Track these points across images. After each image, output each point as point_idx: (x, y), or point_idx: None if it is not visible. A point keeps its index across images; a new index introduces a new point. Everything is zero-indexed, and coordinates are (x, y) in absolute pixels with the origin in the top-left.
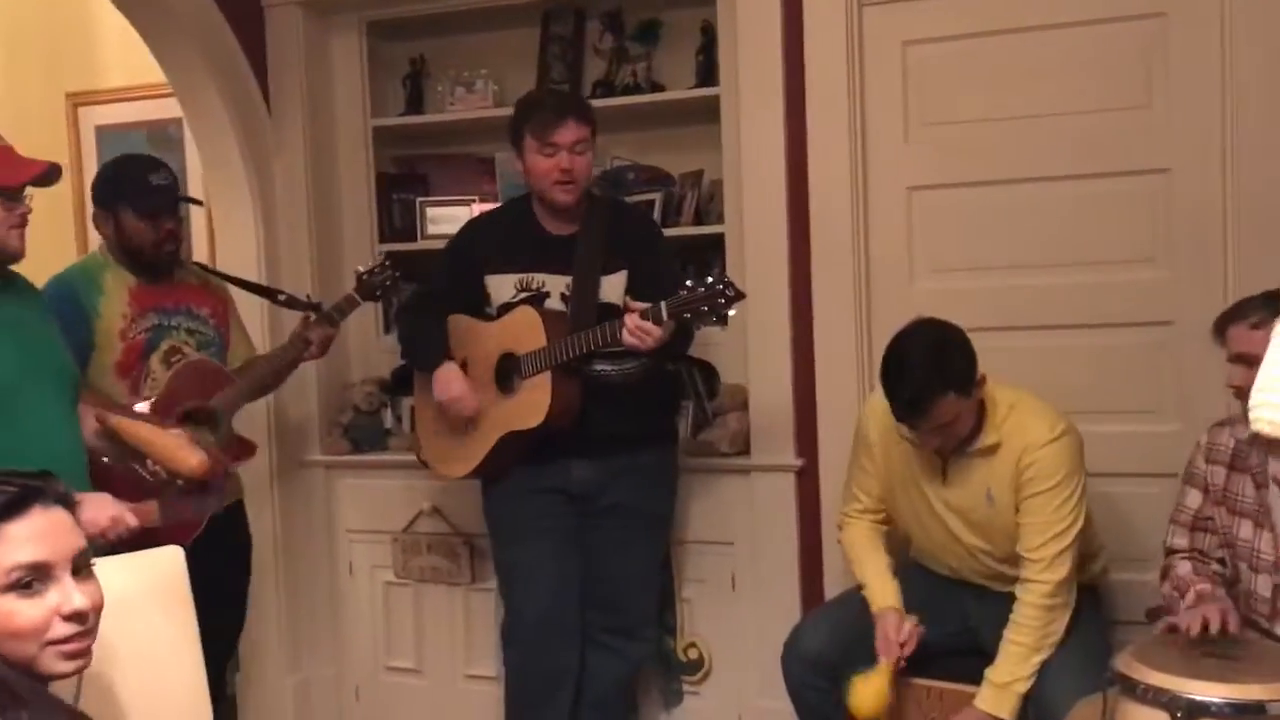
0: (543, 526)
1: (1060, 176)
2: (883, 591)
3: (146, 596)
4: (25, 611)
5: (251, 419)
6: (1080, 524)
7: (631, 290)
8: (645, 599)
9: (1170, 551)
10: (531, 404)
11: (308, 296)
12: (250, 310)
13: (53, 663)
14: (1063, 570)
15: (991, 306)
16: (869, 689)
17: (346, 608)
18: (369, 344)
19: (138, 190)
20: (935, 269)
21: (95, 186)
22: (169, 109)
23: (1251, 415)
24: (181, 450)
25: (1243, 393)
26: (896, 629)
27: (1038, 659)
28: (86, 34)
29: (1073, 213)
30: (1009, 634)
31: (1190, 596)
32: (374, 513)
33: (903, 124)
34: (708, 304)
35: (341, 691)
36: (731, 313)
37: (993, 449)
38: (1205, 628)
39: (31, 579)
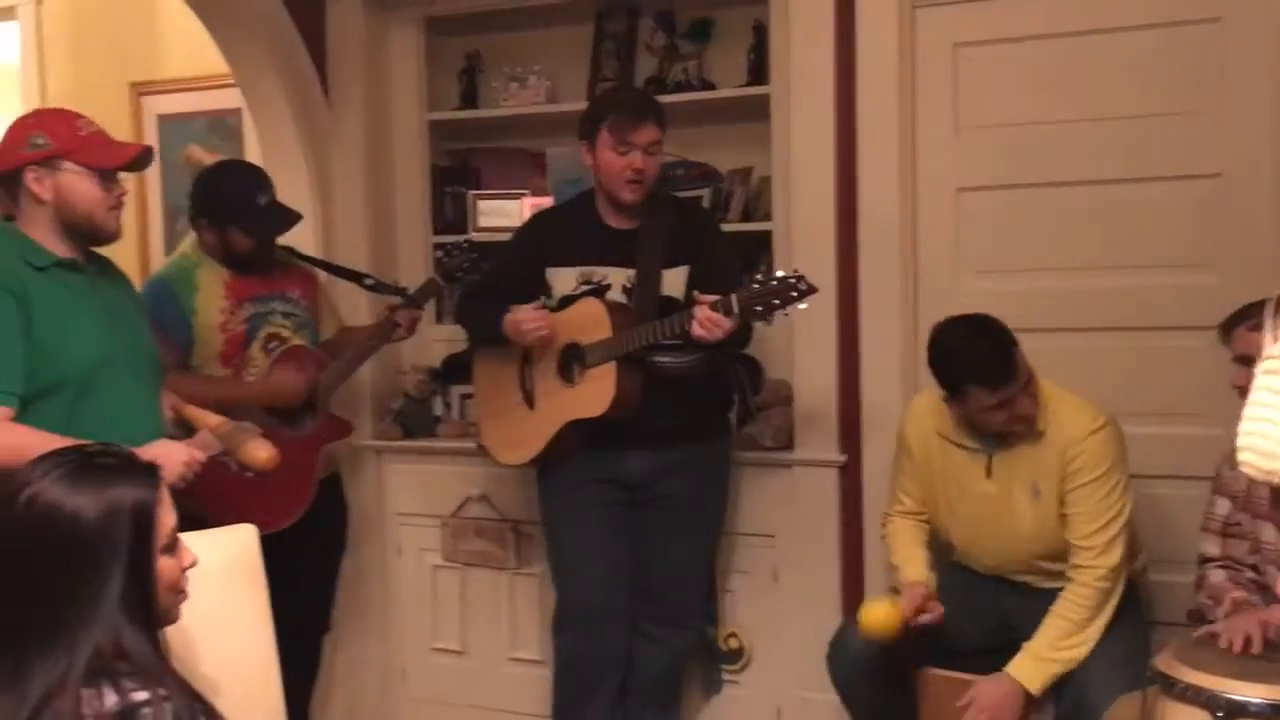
0: (596, 516)
1: (1110, 180)
2: (916, 569)
3: (222, 572)
4: (175, 568)
5: None
6: (1128, 512)
7: (693, 285)
8: (694, 590)
9: (1204, 560)
10: (595, 393)
11: (394, 281)
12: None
13: (175, 613)
14: (1114, 556)
15: (1038, 308)
16: (881, 609)
17: (395, 589)
18: (421, 333)
19: (248, 213)
20: (982, 270)
21: (199, 199)
22: (228, 99)
23: (1238, 455)
24: (250, 443)
25: (1244, 393)
26: (922, 595)
27: (1079, 638)
28: (150, 25)
29: (1122, 216)
30: (1055, 608)
31: (1227, 604)
32: (423, 497)
33: (953, 125)
34: (779, 297)
35: (388, 671)
36: (803, 306)
37: (1036, 437)
38: (1247, 643)
39: (175, 540)
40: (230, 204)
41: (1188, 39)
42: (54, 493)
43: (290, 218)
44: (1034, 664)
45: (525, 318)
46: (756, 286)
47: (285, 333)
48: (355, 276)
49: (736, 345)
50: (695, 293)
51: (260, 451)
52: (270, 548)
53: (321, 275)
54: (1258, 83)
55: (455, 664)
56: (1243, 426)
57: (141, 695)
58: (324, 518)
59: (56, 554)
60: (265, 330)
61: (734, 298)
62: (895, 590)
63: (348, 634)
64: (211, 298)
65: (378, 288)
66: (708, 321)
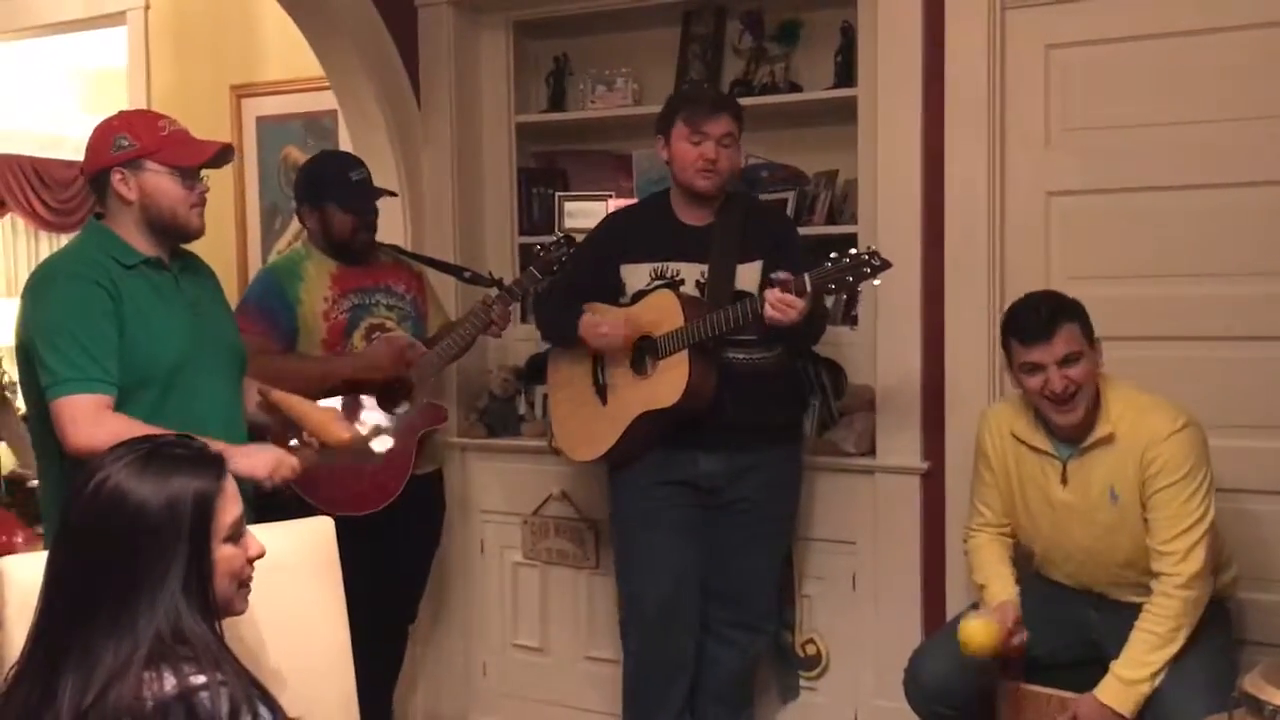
0: (668, 517)
1: (1205, 185)
2: (1003, 589)
3: (298, 563)
4: (239, 557)
5: None
6: (1211, 516)
7: (766, 281)
8: (767, 594)
9: None
10: (668, 383)
11: (489, 273)
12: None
13: (240, 602)
14: (1196, 563)
15: (1130, 315)
16: (982, 627)
17: (477, 585)
18: (506, 333)
19: (342, 187)
20: (1072, 276)
21: (299, 185)
22: (324, 101)
23: None
24: (332, 423)
25: None
26: (1013, 615)
27: (1166, 652)
28: (249, 29)
29: (1217, 222)
30: (1140, 624)
31: None
32: (506, 495)
33: (1043, 128)
34: (853, 273)
35: (470, 665)
36: (877, 282)
37: (1108, 440)
38: None
39: (240, 531)
40: (326, 183)
41: None
42: (122, 479)
43: (380, 190)
44: (1122, 687)
45: (599, 331)
46: (829, 265)
47: (389, 324)
48: (454, 270)
49: (810, 336)
50: (773, 276)
51: (341, 431)
52: (366, 534)
53: (429, 274)
54: None
55: (534, 660)
56: None
57: (199, 679)
58: (422, 511)
59: (124, 539)
60: (368, 320)
61: (806, 277)
62: (975, 606)
63: (431, 628)
64: (316, 287)
65: (475, 280)
66: (780, 303)
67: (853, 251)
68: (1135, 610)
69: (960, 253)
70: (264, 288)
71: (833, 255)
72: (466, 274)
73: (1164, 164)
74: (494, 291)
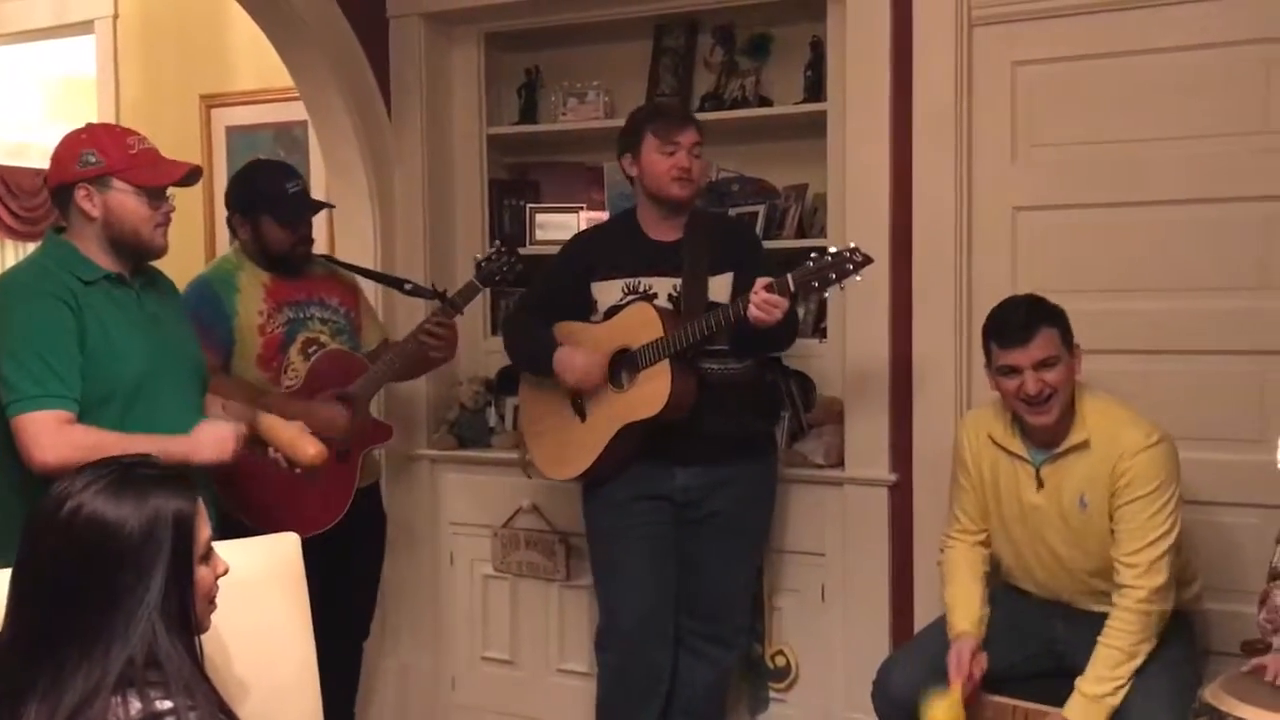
0: (643, 533)
1: (1169, 201)
2: (967, 616)
3: (264, 580)
4: (210, 576)
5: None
6: (1176, 531)
7: (737, 291)
8: (741, 608)
9: (1274, 576)
10: (649, 393)
11: (432, 285)
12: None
13: (207, 621)
14: (1159, 577)
15: (1095, 328)
16: (945, 707)
17: (446, 598)
18: (476, 344)
19: (277, 200)
20: (1039, 290)
21: (232, 193)
22: (295, 112)
23: None
24: (300, 440)
25: None
26: (971, 655)
27: (1130, 666)
28: (220, 39)
29: (1181, 238)
30: (1103, 639)
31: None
32: (476, 507)
33: (1010, 144)
34: (835, 270)
35: (438, 678)
36: (859, 278)
37: (1083, 446)
38: None
39: (210, 549)
40: (260, 195)
41: (1248, 58)
42: (97, 504)
43: (317, 204)
44: (1087, 704)
45: (577, 369)
46: (810, 264)
47: (323, 338)
48: (394, 281)
49: (782, 341)
50: (757, 279)
51: (309, 447)
52: (308, 555)
53: (366, 285)
54: None
55: (504, 674)
56: None
57: (166, 704)
58: (363, 527)
59: (101, 564)
60: (303, 334)
61: (790, 276)
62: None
63: (398, 641)
64: (251, 300)
65: (416, 292)
66: (765, 304)
67: (833, 250)
68: (1101, 620)
69: (928, 266)
70: (199, 299)
71: (813, 254)
72: (408, 286)
73: (1126, 180)
74: (439, 304)
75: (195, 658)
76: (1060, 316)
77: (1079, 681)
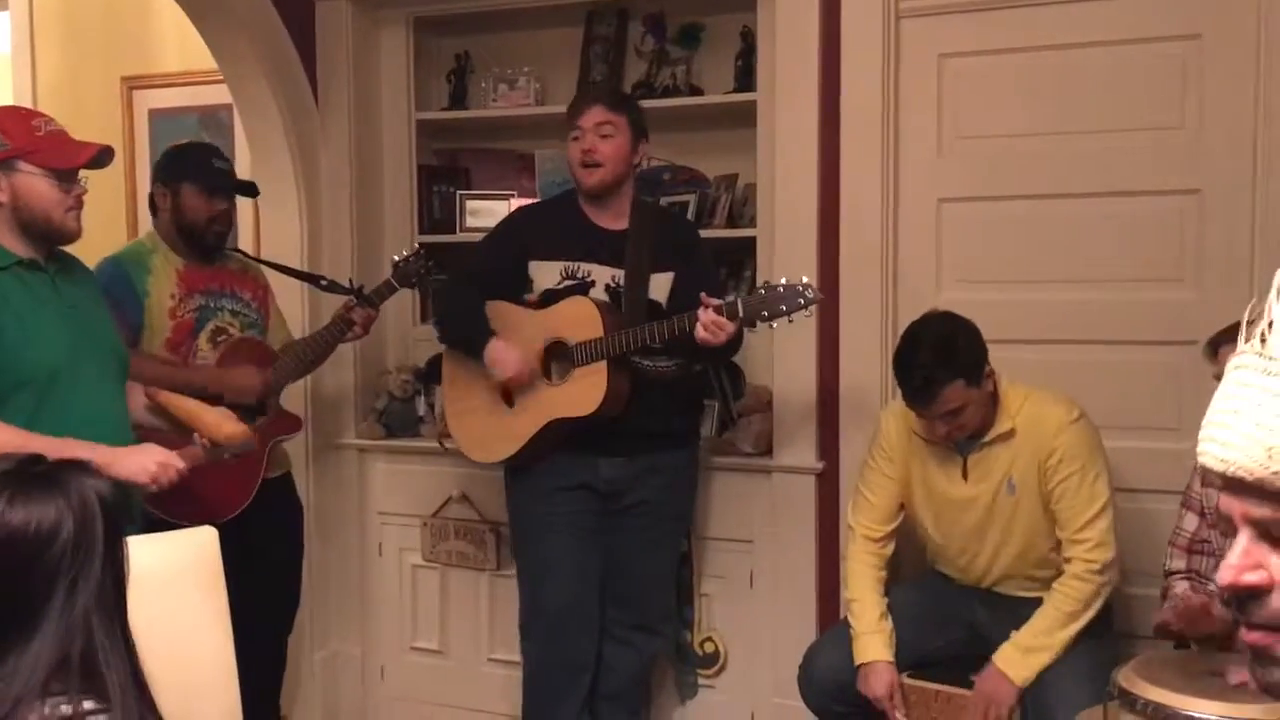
0: (566, 522)
1: (1091, 194)
2: (871, 644)
3: (181, 574)
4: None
5: (290, 402)
6: (1111, 500)
7: (675, 292)
8: (665, 595)
9: (1169, 574)
10: (583, 391)
11: (350, 281)
12: (291, 296)
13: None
14: (1109, 551)
15: (1018, 319)
16: None
17: (375, 588)
18: (405, 333)
19: (201, 169)
20: (962, 279)
21: (159, 164)
22: (220, 95)
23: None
24: (225, 423)
25: None
26: (887, 687)
27: (1067, 632)
28: (142, 19)
29: (1102, 230)
30: (1048, 600)
31: (1176, 600)
32: (405, 497)
33: (936, 136)
34: (786, 303)
35: (367, 669)
36: (808, 314)
37: (1008, 435)
38: (1201, 638)
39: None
40: (185, 163)
41: (1169, 54)
42: (17, 515)
43: (243, 185)
44: (1019, 655)
45: (510, 367)
46: (763, 292)
47: (232, 329)
48: (310, 278)
49: (728, 354)
50: (703, 296)
51: (234, 429)
52: (223, 549)
53: (292, 281)
54: (1236, 99)
55: (433, 663)
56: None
57: (89, 704)
58: (277, 517)
59: (28, 570)
60: (213, 323)
61: (739, 302)
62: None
63: (327, 632)
64: (163, 283)
65: (332, 288)
66: (713, 325)
67: (784, 281)
68: (1023, 604)
69: (855, 256)
70: (110, 277)
71: (766, 283)
72: (324, 281)
73: (1051, 173)
74: (354, 299)
75: (130, 648)
76: (962, 362)
77: (1014, 634)
